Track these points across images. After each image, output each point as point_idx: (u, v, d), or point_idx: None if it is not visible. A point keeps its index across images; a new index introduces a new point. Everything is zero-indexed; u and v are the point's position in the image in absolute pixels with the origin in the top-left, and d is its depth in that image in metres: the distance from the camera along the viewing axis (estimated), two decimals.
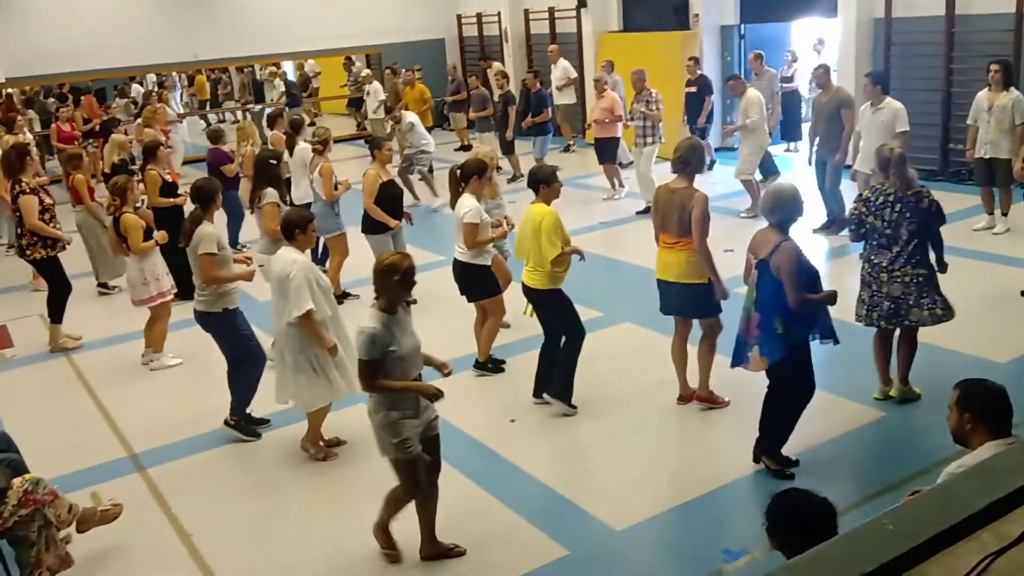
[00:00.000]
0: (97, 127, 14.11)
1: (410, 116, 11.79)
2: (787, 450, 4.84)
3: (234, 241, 9.56)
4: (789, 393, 4.72)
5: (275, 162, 6.87)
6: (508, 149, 12.60)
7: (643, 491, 4.82)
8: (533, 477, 5.04)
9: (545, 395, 5.75)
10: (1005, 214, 8.63)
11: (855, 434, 5.21)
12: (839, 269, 8.13)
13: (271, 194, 6.69)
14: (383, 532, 4.32)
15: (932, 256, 5.19)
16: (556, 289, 5.58)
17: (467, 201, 6.04)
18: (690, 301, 5.35)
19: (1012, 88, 8.24)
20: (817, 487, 2.89)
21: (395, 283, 3.94)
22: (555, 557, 4.27)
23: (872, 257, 5.23)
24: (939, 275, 5.23)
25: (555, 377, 5.71)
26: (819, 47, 13.30)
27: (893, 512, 1.51)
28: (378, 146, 7.63)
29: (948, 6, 10.63)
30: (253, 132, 9.64)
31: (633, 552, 4.34)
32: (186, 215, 8.14)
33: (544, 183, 5.56)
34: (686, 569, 4.18)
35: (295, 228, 5.06)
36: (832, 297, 4.62)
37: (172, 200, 8.26)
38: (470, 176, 6.12)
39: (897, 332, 5.35)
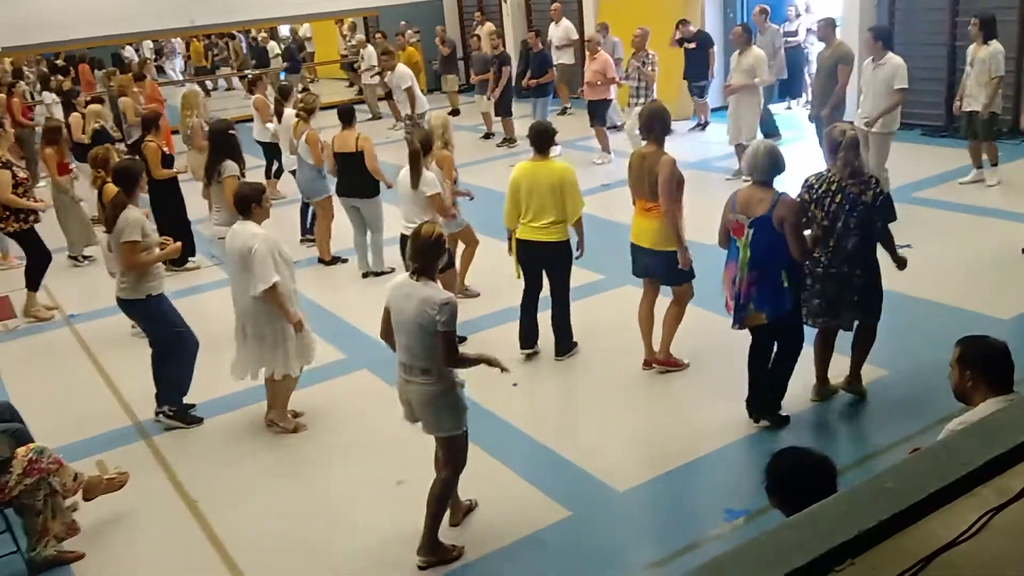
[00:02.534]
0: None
1: (404, 68, 11.37)
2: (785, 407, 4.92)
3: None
4: (797, 344, 4.76)
5: (232, 132, 6.76)
6: (506, 111, 12.44)
7: (644, 452, 4.84)
8: (535, 440, 5.06)
9: (557, 359, 5.87)
10: (994, 164, 8.61)
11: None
12: None
13: (232, 167, 6.58)
14: (436, 542, 4.02)
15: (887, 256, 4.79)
16: (568, 240, 5.67)
17: (427, 175, 6.07)
18: (662, 267, 5.38)
19: (993, 41, 8.18)
20: (817, 446, 2.90)
21: (444, 253, 3.95)
22: (558, 518, 4.30)
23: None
24: (899, 269, 4.84)
25: (558, 338, 5.87)
26: (810, 2, 13.12)
27: (893, 470, 1.50)
28: (353, 114, 7.77)
29: None
30: (198, 102, 9.41)
31: (635, 513, 4.37)
32: (181, 186, 8.27)
33: (552, 140, 5.69)
34: (688, 529, 4.20)
35: (250, 201, 4.96)
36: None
37: (173, 171, 8.21)
38: (429, 150, 6.20)
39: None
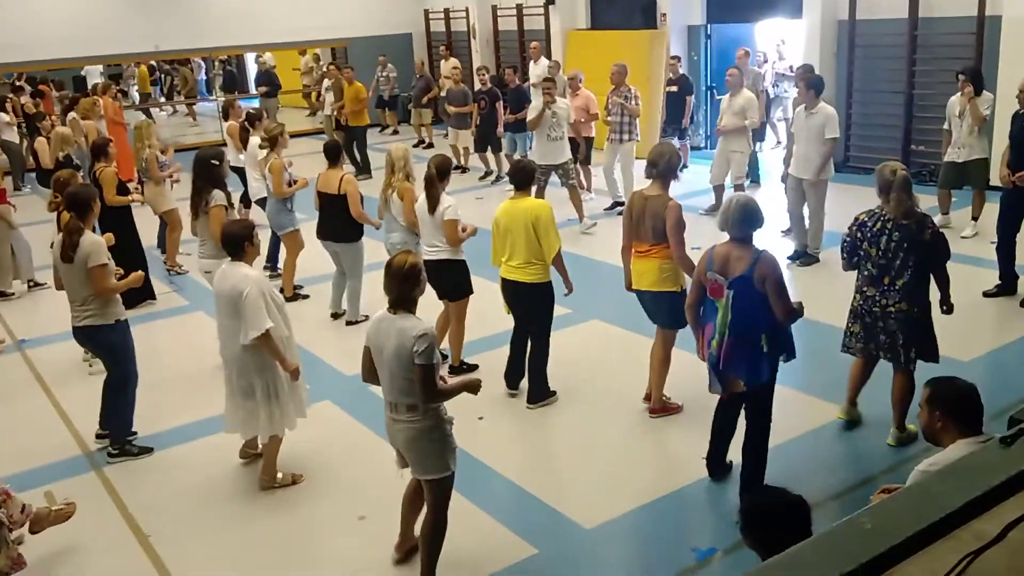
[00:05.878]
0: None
1: (566, 101, 10.19)
2: None
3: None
4: (768, 415, 4.49)
5: (217, 162, 6.49)
6: (495, 147, 12.47)
7: (612, 489, 4.80)
8: (502, 475, 4.99)
9: (528, 406, 5.74)
10: (976, 218, 8.65)
11: (822, 431, 5.23)
12: (809, 274, 8.18)
13: (219, 196, 6.31)
14: None
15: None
16: (550, 281, 5.61)
17: (446, 199, 5.98)
18: (661, 309, 5.32)
19: (984, 92, 8.33)
20: (787, 484, 2.89)
21: (421, 283, 3.77)
22: (524, 556, 4.23)
23: (864, 288, 4.82)
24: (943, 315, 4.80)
25: (532, 384, 5.75)
26: (781, 47, 13.43)
27: (870, 511, 1.49)
28: (339, 152, 7.47)
29: (911, 9, 10.79)
30: (151, 133, 9.20)
31: (603, 551, 4.32)
32: (134, 213, 8.09)
33: (532, 177, 5.72)
34: (656, 567, 4.16)
35: (242, 240, 4.62)
36: (801, 310, 4.34)
37: (128, 199, 8.03)
38: (446, 175, 6.07)
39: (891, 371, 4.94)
